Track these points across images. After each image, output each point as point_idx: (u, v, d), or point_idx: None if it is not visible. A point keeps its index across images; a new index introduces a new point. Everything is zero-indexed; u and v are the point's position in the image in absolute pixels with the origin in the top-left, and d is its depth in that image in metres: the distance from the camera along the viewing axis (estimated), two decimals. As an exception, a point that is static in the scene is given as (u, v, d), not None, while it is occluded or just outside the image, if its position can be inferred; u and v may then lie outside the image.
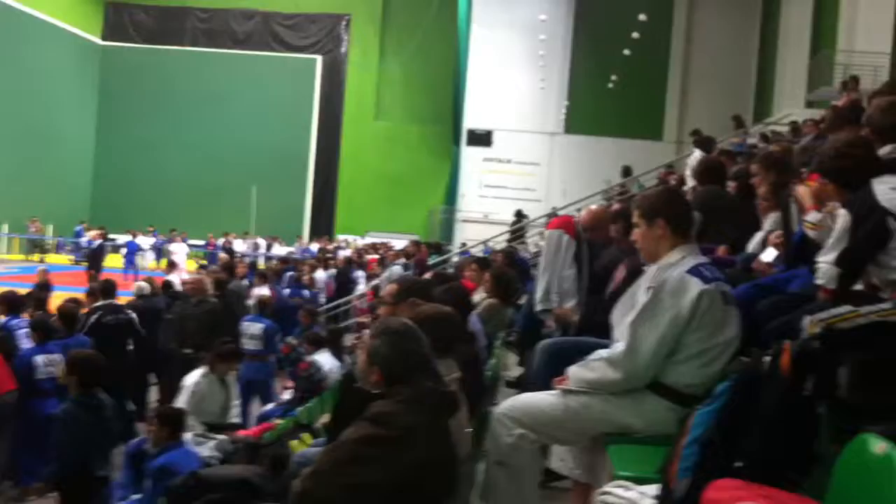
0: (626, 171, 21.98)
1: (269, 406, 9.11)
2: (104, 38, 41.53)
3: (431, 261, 18.77)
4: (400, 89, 38.77)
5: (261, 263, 23.83)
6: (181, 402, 7.57)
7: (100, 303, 9.96)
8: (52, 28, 37.11)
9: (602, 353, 3.58)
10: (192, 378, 7.83)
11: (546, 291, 6.07)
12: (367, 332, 3.90)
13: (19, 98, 34.49)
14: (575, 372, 3.60)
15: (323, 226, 38.86)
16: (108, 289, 10.37)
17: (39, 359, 8.19)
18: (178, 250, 29.07)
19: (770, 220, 4.86)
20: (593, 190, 21.98)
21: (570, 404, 3.56)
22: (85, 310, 9.99)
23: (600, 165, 26.42)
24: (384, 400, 3.02)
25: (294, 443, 6.14)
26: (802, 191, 3.78)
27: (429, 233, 34.30)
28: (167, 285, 12.07)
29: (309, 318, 12.30)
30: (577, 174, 29.00)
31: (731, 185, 6.29)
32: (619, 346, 3.49)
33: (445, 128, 36.18)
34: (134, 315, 10.04)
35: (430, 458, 2.99)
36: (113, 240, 30.46)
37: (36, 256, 33.05)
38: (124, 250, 29.63)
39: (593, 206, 7.87)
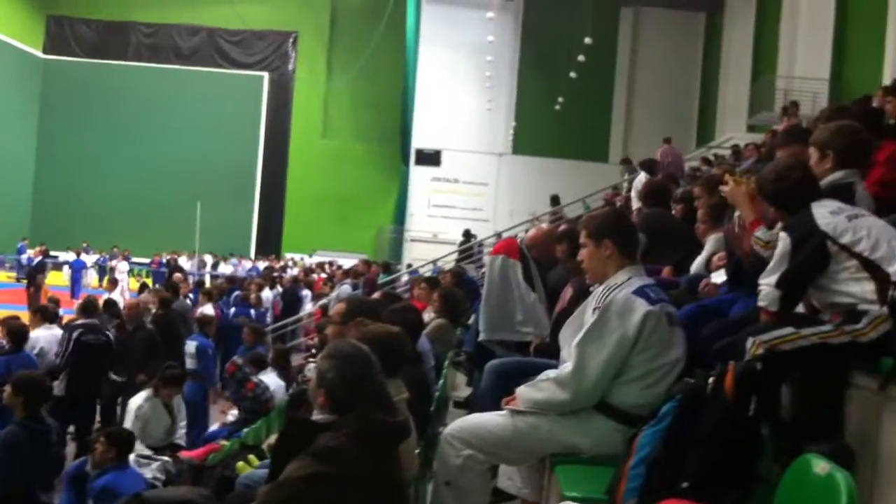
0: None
1: (215, 427, 8.99)
2: (46, 52, 40.85)
3: (381, 280, 18.73)
4: (348, 107, 38.75)
5: (207, 282, 23.46)
6: (126, 424, 7.44)
7: (80, 321, 9.70)
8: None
9: (550, 373, 3.60)
10: (136, 401, 7.70)
11: (497, 319, 5.83)
12: (313, 352, 3.88)
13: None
14: (523, 392, 3.61)
15: (270, 243, 38.59)
16: (89, 307, 10.13)
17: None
18: (121, 268, 28.62)
19: (712, 242, 4.94)
20: (541, 210, 22.20)
21: (518, 425, 3.58)
22: (31, 329, 9.75)
23: (547, 186, 26.62)
24: (329, 434, 2.92)
25: (240, 464, 6.05)
26: (733, 192, 3.78)
27: (377, 252, 34.22)
28: (109, 304, 11.82)
29: (253, 337, 12.16)
30: (525, 194, 29.21)
31: (675, 208, 6.39)
32: (567, 367, 3.50)
33: (393, 147, 36.20)
34: (112, 335, 9.79)
35: (377, 492, 2.92)
36: (55, 257, 29.84)
37: (-28, 273, 32.24)
38: (67, 268, 29.05)
39: (542, 226, 7.92)
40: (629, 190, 17.87)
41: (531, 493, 4.00)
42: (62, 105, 39.72)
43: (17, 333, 8.88)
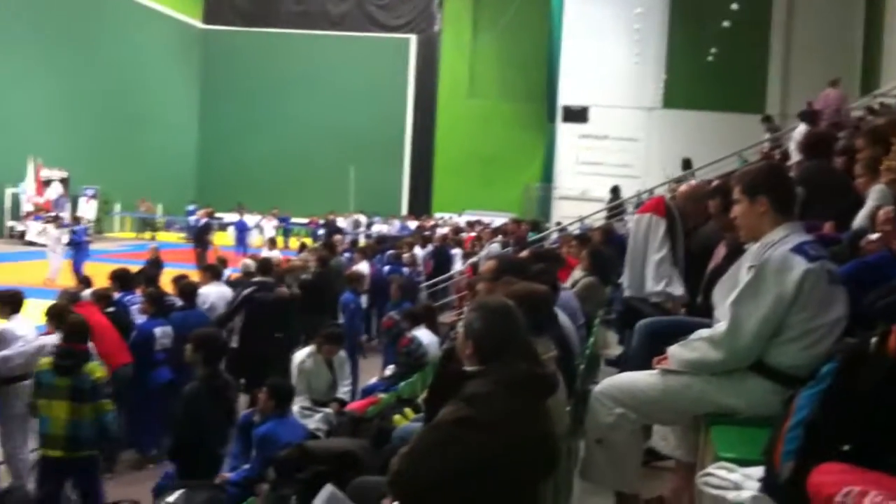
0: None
1: (373, 380, 9.30)
2: (205, 22, 42.67)
3: (530, 238, 18.76)
4: (493, 66, 38.65)
5: (361, 241, 24.17)
6: (292, 377, 7.78)
7: (254, 279, 10.24)
8: (154, 13, 38.34)
9: (703, 332, 3.53)
10: (300, 356, 8.01)
11: (639, 277, 5.92)
12: (465, 308, 3.96)
13: (125, 83, 35.79)
14: (675, 352, 3.57)
15: (420, 204, 39.20)
16: (265, 266, 10.67)
17: (157, 331, 8.56)
18: (268, 227, 30.08)
19: (874, 194, 4.67)
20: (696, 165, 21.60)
21: (669, 384, 3.55)
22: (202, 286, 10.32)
23: (700, 140, 25.86)
24: (479, 380, 3.02)
25: (396, 417, 6.28)
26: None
27: (524, 210, 34.19)
28: (266, 263, 12.19)
29: (400, 292, 12.50)
30: (676, 149, 28.41)
31: (838, 161, 6.10)
32: (720, 326, 3.43)
33: (539, 104, 35.89)
34: (286, 292, 10.26)
35: (525, 440, 3.00)
36: (220, 218, 31.41)
37: (147, 234, 34.43)
38: (232, 229, 30.51)
39: (692, 182, 7.74)
40: (774, 148, 17.15)
41: (685, 454, 3.96)
42: (221, 73, 41.53)
43: (189, 291, 9.44)
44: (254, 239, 31.12)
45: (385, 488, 3.22)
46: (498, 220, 27.00)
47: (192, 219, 31.04)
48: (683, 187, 6.59)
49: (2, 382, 7.07)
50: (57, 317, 7.37)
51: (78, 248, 20.05)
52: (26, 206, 28.96)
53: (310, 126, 39.84)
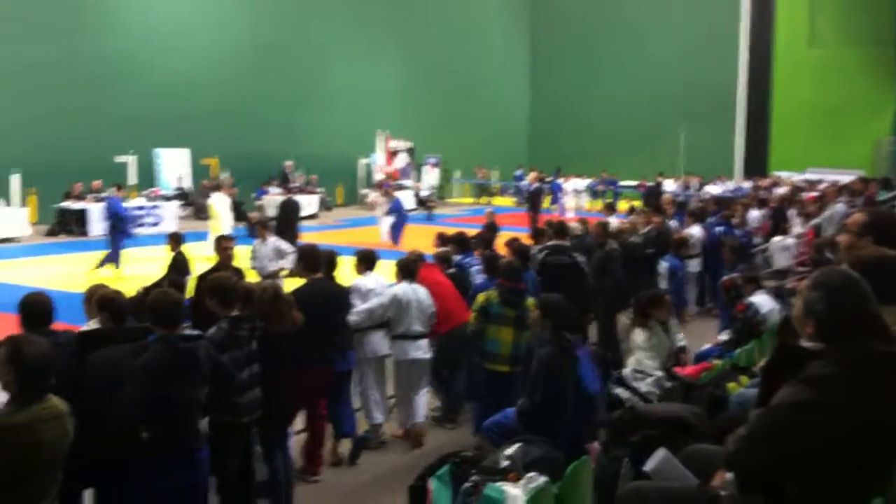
0: None
1: (707, 346, 9.09)
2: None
3: (880, 197, 17.23)
4: (835, 11, 35.65)
5: (691, 203, 23.55)
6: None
7: (550, 243, 10.38)
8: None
9: None
10: (623, 320, 7.94)
11: None
12: (805, 276, 3.75)
13: (460, 54, 37.62)
14: None
15: (755, 163, 37.32)
16: (561, 230, 10.82)
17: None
18: (567, 188, 31.58)
19: None
20: None
21: None
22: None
23: None
24: (821, 360, 2.87)
25: (731, 384, 6.12)
26: None
27: (874, 167, 31.36)
28: (561, 225, 11.96)
29: (733, 255, 12.05)
30: None
31: None
32: None
33: (888, 49, 32.59)
34: (580, 257, 10.25)
35: (873, 423, 2.81)
36: (550, 182, 32.20)
37: (483, 199, 36.17)
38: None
39: None
40: None
41: None
42: (550, 37, 42.26)
43: (522, 254, 9.75)
44: (569, 201, 31.72)
45: (719, 462, 3.17)
46: (844, 179, 25.01)
47: (523, 183, 32.05)
48: None
49: (357, 330, 7.80)
50: (404, 269, 8.18)
51: (396, 214, 21.82)
52: (377, 176, 31.51)
53: (638, 88, 39.38)
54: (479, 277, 9.37)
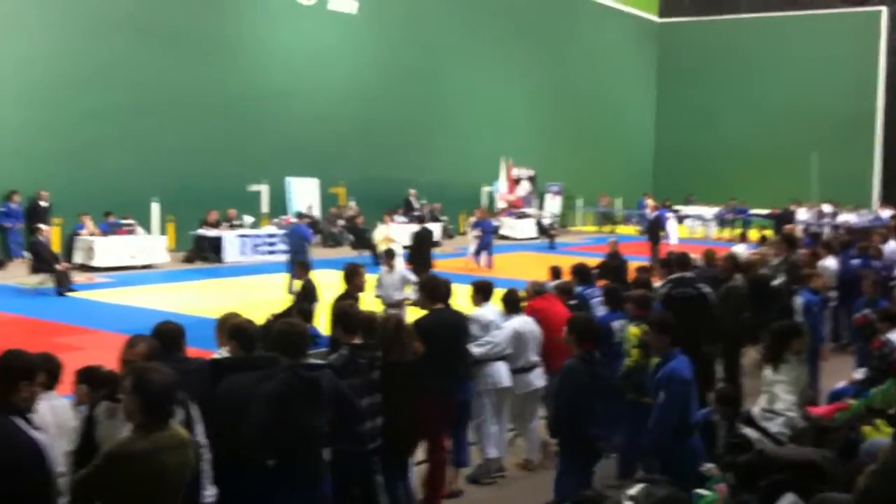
0: None
1: (842, 384, 8.67)
2: (660, 16, 43.20)
3: None
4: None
5: (825, 232, 22.63)
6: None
7: (674, 276, 9.91)
8: (611, 11, 39.61)
9: None
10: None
11: None
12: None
13: (586, 80, 37.47)
14: None
15: (894, 190, 35.61)
16: (683, 261, 10.40)
17: (615, 324, 8.82)
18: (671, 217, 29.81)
19: None
20: None
21: None
22: (655, 280, 10.39)
23: None
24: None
25: (867, 428, 5.83)
26: None
27: None
28: (683, 257, 11.49)
29: (874, 288, 11.42)
30: None
31: None
32: None
33: None
34: (705, 288, 9.77)
35: None
36: (676, 210, 31.48)
37: (607, 227, 35.69)
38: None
39: None
40: None
41: None
42: (676, 64, 41.67)
43: (642, 283, 9.60)
44: (711, 231, 30.75)
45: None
46: None
47: (646, 211, 31.49)
48: None
49: (477, 361, 7.82)
50: (510, 303, 8.29)
51: (481, 238, 22.35)
52: (500, 204, 31.53)
53: (768, 113, 38.31)
54: (600, 309, 9.24)
